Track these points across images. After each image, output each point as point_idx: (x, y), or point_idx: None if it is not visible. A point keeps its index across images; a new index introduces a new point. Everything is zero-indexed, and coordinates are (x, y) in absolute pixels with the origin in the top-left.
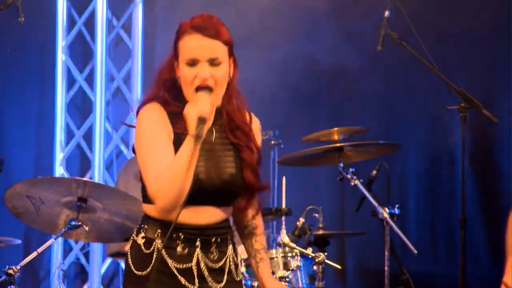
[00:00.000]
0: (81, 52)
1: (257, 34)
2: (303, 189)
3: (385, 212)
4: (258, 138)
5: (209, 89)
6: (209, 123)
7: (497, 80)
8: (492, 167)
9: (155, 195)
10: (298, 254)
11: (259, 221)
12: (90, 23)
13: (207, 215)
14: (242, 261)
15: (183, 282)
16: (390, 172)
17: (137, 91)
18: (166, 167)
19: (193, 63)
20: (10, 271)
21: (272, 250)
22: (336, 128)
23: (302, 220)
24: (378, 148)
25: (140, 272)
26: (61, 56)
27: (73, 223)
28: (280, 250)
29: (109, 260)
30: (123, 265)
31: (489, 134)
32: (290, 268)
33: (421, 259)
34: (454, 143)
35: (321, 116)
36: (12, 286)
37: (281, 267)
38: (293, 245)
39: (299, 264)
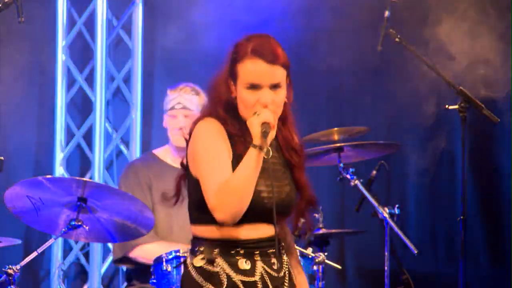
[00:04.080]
0: (81, 52)
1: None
2: None
3: (385, 212)
4: None
5: None
6: (273, 133)
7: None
8: (492, 167)
9: (216, 207)
10: (298, 254)
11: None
12: (90, 23)
13: (263, 231)
14: None
15: None
16: (390, 172)
17: (137, 91)
18: (229, 178)
19: (254, 88)
20: (10, 271)
21: None
22: (336, 128)
23: (302, 220)
24: (378, 148)
25: None
26: (61, 56)
27: (73, 223)
28: None
29: (109, 260)
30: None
31: (489, 134)
32: None
33: (421, 259)
34: (454, 143)
35: (321, 116)
36: (12, 286)
37: None
38: None
39: None
